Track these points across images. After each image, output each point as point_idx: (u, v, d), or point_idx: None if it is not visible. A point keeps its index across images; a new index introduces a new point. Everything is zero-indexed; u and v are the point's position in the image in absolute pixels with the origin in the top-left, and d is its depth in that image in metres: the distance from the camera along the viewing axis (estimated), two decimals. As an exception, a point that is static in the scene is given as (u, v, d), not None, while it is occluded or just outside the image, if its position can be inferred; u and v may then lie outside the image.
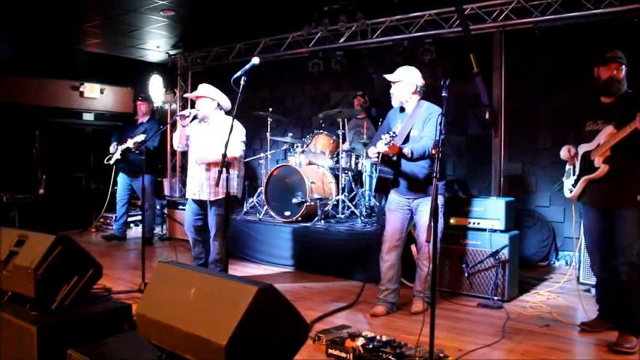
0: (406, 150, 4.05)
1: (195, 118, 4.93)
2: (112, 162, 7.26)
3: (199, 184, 4.87)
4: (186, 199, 5.15)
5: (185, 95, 5.63)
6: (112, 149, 7.25)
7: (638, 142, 3.44)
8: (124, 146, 7.10)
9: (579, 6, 5.75)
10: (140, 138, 6.82)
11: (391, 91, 4.40)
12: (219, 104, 4.97)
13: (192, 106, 5.10)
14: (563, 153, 3.96)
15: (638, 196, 3.55)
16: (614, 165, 3.62)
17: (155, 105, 9.83)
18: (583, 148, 3.83)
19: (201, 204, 4.96)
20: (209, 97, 4.92)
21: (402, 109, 4.43)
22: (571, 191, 3.93)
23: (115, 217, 7.74)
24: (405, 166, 4.26)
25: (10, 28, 7.57)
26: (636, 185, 3.57)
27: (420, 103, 4.35)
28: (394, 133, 4.02)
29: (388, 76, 4.38)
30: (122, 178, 7.49)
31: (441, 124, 3.35)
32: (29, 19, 7.55)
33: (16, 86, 8.81)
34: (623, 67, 3.69)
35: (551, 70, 6.30)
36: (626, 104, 3.58)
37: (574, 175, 3.91)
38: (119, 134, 7.36)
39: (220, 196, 4.75)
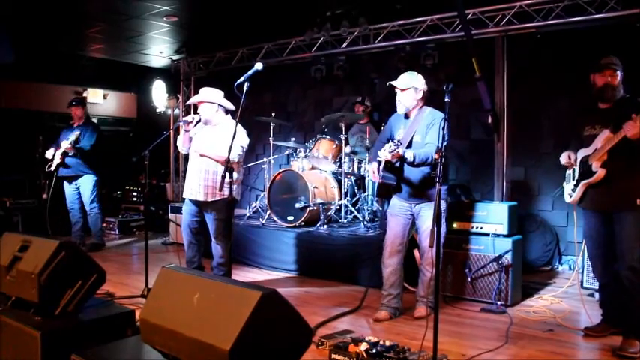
0: (408, 154, 4.04)
1: (198, 122, 4.94)
2: (52, 168, 7.09)
3: (197, 185, 4.84)
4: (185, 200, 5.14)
5: (187, 102, 5.64)
6: (48, 155, 7.08)
7: (635, 145, 3.45)
8: (60, 150, 6.99)
9: (581, 10, 5.75)
10: (73, 137, 6.86)
11: (398, 98, 4.36)
12: (221, 106, 4.96)
13: (195, 111, 5.10)
14: (564, 159, 3.97)
15: (637, 200, 3.56)
16: (611, 169, 3.63)
17: (159, 110, 9.88)
18: (581, 152, 3.85)
19: (197, 205, 4.95)
20: (209, 100, 4.90)
21: (405, 115, 4.43)
22: (571, 196, 3.93)
23: (72, 224, 7.42)
24: (408, 172, 4.26)
25: (13, 33, 7.60)
26: (635, 189, 3.58)
27: (423, 109, 4.35)
28: (399, 141, 4.02)
29: (396, 83, 4.33)
30: (66, 186, 7.31)
31: (444, 129, 3.36)
32: (32, 24, 7.59)
33: (19, 91, 8.86)
34: (618, 72, 3.70)
35: (553, 75, 6.31)
36: (623, 108, 3.59)
37: (573, 180, 3.91)
38: (57, 141, 7.19)
39: (217, 198, 4.75)
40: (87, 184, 7.27)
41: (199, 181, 4.83)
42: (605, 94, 3.72)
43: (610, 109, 3.72)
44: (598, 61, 3.78)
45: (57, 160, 7.04)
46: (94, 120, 7.91)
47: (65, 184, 7.32)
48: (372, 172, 4.38)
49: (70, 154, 7.00)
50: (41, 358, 2.76)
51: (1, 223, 7.37)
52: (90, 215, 7.36)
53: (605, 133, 3.65)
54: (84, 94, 9.66)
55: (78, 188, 7.32)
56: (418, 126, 4.30)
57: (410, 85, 4.30)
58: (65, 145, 6.92)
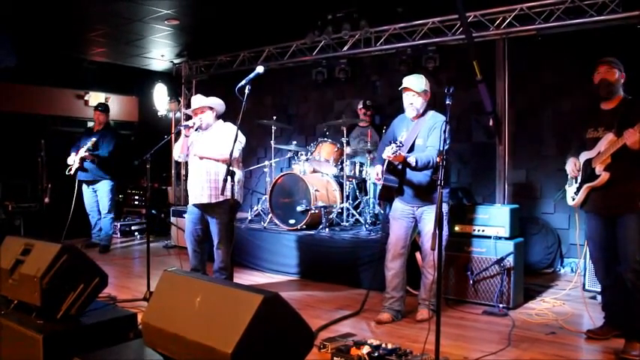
0: (411, 159, 4.04)
1: (199, 128, 4.93)
2: (72, 172, 7.27)
3: (200, 188, 4.85)
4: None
5: (185, 111, 5.63)
6: (69, 160, 7.28)
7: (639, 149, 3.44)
8: (78, 155, 7.21)
9: (582, 13, 5.76)
10: (90, 143, 7.12)
11: (410, 102, 4.30)
12: (217, 112, 5.01)
13: (187, 119, 5.11)
14: (570, 167, 3.95)
15: (639, 203, 3.55)
16: (615, 172, 3.62)
17: (161, 113, 9.91)
18: (584, 155, 3.84)
19: (202, 209, 4.94)
20: (209, 105, 4.94)
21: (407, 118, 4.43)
22: (573, 199, 3.93)
23: (92, 226, 7.76)
24: (410, 174, 4.26)
25: (14, 37, 7.63)
26: (638, 192, 3.57)
27: (426, 112, 4.35)
28: (401, 142, 4.01)
29: (412, 87, 4.26)
30: (85, 189, 7.55)
31: (445, 132, 3.37)
32: (34, 27, 7.61)
33: (21, 95, 8.86)
34: (615, 69, 3.70)
35: (554, 77, 6.31)
36: (626, 111, 3.59)
37: (576, 182, 3.91)
38: (77, 144, 7.40)
39: (221, 199, 4.75)
40: (104, 189, 7.52)
41: (202, 184, 4.84)
42: (601, 90, 3.73)
43: (613, 111, 3.71)
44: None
45: (76, 165, 7.25)
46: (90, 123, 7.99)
47: (84, 187, 7.54)
48: (375, 174, 4.35)
49: (87, 160, 7.25)
50: (43, 361, 2.77)
51: (3, 226, 7.38)
52: (104, 219, 7.60)
53: (608, 136, 3.64)
54: (86, 98, 9.67)
55: (96, 192, 7.55)
56: (420, 129, 4.29)
57: (423, 88, 4.30)
58: (82, 152, 7.17)
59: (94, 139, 7.22)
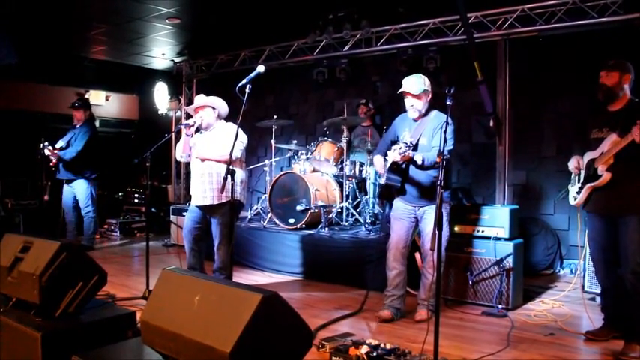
0: (417, 157, 4.04)
1: (199, 127, 4.91)
2: (53, 169, 7.17)
3: (202, 190, 4.82)
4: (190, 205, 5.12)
5: (186, 108, 5.58)
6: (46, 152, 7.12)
7: None
8: (46, 153, 6.98)
9: (583, 14, 5.76)
10: (61, 142, 7.03)
11: (411, 104, 4.29)
12: (219, 112, 4.97)
13: (188, 118, 5.08)
14: (572, 165, 3.95)
15: None
16: (617, 173, 3.62)
17: (161, 112, 9.91)
18: (588, 155, 3.84)
19: (203, 210, 4.93)
20: (210, 105, 4.91)
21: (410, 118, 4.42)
22: (575, 199, 3.93)
23: (66, 223, 7.47)
24: (413, 174, 4.26)
25: (16, 34, 7.63)
26: (639, 193, 3.57)
27: (429, 112, 4.34)
28: (411, 143, 4.00)
29: (409, 90, 4.24)
30: (65, 186, 7.35)
31: (445, 132, 3.37)
32: (35, 25, 7.61)
33: (21, 93, 8.89)
34: (614, 72, 3.69)
35: (555, 78, 6.31)
36: (631, 112, 3.58)
37: (579, 182, 3.91)
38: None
39: (223, 200, 4.74)
40: (80, 188, 7.29)
41: (204, 186, 4.81)
42: (599, 95, 3.74)
43: (618, 113, 3.70)
44: None
45: (53, 161, 7.10)
46: (96, 122, 7.89)
47: (64, 185, 7.39)
48: (379, 165, 4.31)
49: (53, 160, 7.02)
50: (42, 359, 2.76)
51: (3, 223, 7.38)
52: (84, 218, 7.41)
53: (612, 136, 3.64)
54: (86, 96, 9.67)
55: (74, 189, 7.34)
56: (424, 129, 4.28)
57: (422, 90, 4.28)
58: (46, 151, 6.93)
59: (67, 139, 7.10)
